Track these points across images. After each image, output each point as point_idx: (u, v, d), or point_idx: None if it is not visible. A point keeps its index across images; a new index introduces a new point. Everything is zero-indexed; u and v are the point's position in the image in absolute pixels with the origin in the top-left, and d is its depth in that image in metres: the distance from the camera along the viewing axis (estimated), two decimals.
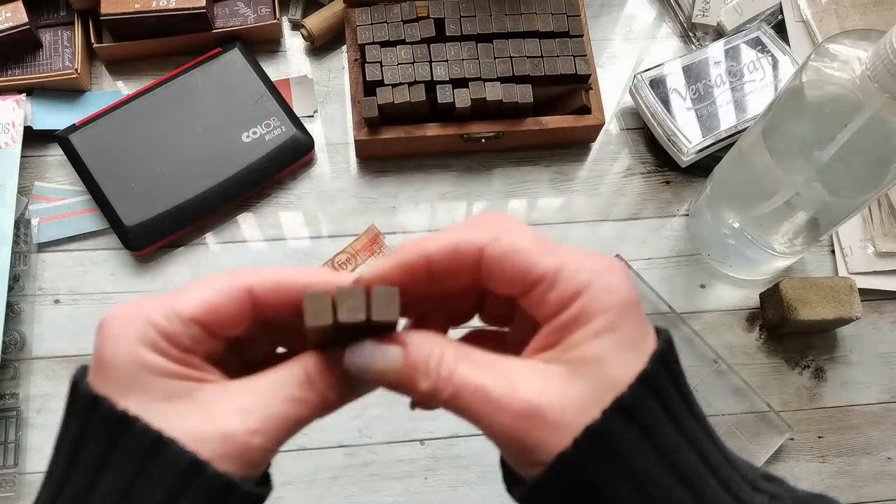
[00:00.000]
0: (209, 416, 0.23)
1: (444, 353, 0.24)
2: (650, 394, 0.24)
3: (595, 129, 0.56)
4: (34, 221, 0.53)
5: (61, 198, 0.54)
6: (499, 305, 0.28)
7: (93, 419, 0.23)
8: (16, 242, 0.52)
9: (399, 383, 0.24)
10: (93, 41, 0.57)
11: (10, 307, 0.51)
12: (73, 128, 0.53)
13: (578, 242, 0.56)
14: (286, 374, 0.24)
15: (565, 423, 0.23)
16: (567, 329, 0.24)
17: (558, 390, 0.23)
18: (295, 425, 0.24)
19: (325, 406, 0.25)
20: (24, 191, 0.54)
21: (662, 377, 0.24)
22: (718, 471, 0.24)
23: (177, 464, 0.22)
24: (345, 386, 0.25)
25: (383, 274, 0.25)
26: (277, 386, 0.24)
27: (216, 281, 0.24)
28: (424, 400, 0.24)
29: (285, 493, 0.48)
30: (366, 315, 0.23)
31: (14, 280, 0.51)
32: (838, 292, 0.50)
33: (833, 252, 0.56)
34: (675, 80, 0.57)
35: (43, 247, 0.53)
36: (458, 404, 0.24)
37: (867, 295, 0.55)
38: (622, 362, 0.24)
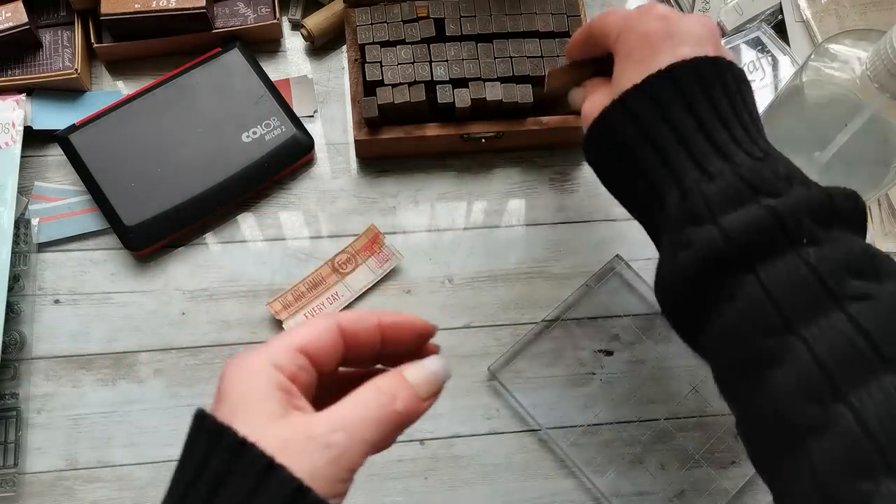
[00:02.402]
0: (308, 433, 0.27)
1: (594, 87, 0.42)
2: (643, 93, 0.37)
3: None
4: (34, 221, 0.53)
5: (61, 198, 0.54)
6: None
7: (216, 445, 0.26)
8: (16, 242, 0.52)
9: (578, 109, 0.43)
10: (93, 41, 0.57)
11: (10, 307, 0.51)
12: (73, 128, 0.53)
13: (578, 242, 0.56)
14: (367, 396, 0.29)
15: (592, 118, 0.39)
16: (615, 61, 0.40)
17: (599, 101, 0.39)
18: (380, 443, 0.28)
19: (401, 419, 0.29)
20: (24, 191, 0.54)
21: (661, 83, 0.36)
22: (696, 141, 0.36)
23: (284, 485, 0.25)
24: (415, 398, 0.30)
25: (577, 45, 0.44)
26: (362, 407, 0.28)
27: (315, 321, 0.30)
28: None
29: None
30: None
31: (14, 280, 0.51)
32: None
33: None
34: None
35: (43, 247, 0.53)
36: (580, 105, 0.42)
37: None
38: (631, 76, 0.37)
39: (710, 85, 0.36)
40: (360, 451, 0.27)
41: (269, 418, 0.27)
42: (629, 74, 0.37)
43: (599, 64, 0.44)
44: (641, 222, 0.41)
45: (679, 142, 0.36)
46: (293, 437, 0.26)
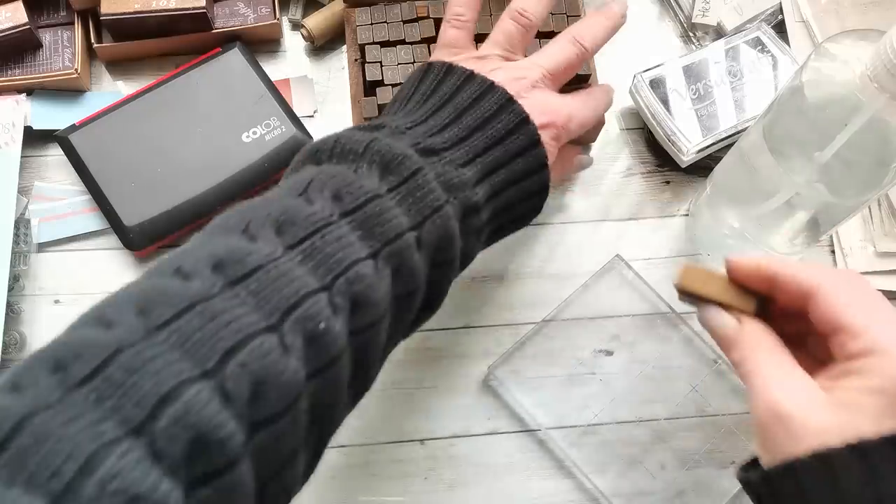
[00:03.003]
0: None
1: (758, 345, 0.33)
2: (885, 455, 0.27)
3: (594, 130, 0.56)
4: (34, 221, 0.53)
5: (61, 198, 0.54)
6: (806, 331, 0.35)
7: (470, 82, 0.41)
8: (16, 242, 0.52)
9: (720, 342, 0.36)
10: (93, 41, 0.57)
11: (10, 307, 0.51)
12: (73, 128, 0.53)
13: (578, 242, 0.56)
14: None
15: (805, 433, 0.29)
16: (851, 373, 0.30)
17: (815, 410, 0.29)
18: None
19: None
20: (24, 191, 0.54)
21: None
22: None
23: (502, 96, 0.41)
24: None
25: (750, 272, 0.35)
26: None
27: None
28: (724, 352, 0.35)
29: None
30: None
31: (14, 280, 0.51)
32: None
33: (833, 252, 0.56)
34: (675, 80, 0.57)
35: (43, 247, 0.53)
36: (741, 363, 0.34)
37: None
38: (876, 418, 0.28)
39: None
40: None
41: None
42: (880, 417, 0.28)
43: (763, 301, 0.36)
44: None
45: None
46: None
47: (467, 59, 0.45)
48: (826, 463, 0.28)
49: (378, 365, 0.35)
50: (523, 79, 0.43)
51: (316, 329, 0.29)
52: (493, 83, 0.41)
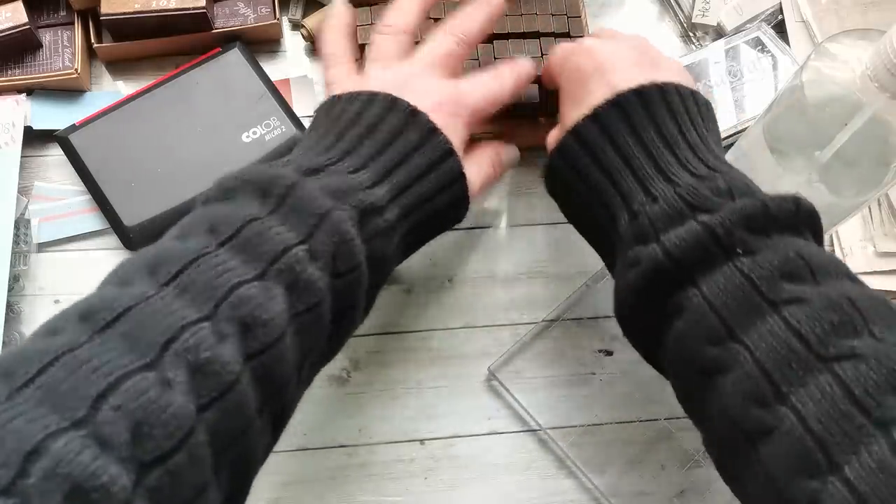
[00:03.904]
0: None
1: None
2: (591, 125, 0.40)
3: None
4: (34, 221, 0.53)
5: (61, 198, 0.54)
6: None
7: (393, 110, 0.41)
8: (16, 242, 0.52)
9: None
10: (93, 41, 0.57)
11: (10, 307, 0.51)
12: (73, 128, 0.53)
13: (578, 242, 0.55)
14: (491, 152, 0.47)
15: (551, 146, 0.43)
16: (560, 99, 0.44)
17: (554, 136, 0.43)
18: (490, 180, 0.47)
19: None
20: (24, 191, 0.54)
21: (607, 113, 0.39)
22: (643, 166, 0.39)
23: (424, 124, 0.41)
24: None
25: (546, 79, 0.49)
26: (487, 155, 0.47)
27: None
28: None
29: (285, 494, 0.48)
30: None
31: (14, 280, 0.51)
32: None
33: (833, 252, 0.56)
34: None
35: (43, 247, 0.53)
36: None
37: None
38: (573, 113, 0.41)
39: (656, 110, 0.39)
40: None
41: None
42: (572, 111, 0.41)
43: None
44: (599, 250, 0.43)
45: (627, 166, 0.38)
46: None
47: (347, 79, 0.45)
48: (556, 157, 0.42)
49: (293, 384, 0.34)
50: (403, 77, 0.43)
51: (199, 359, 0.28)
52: (374, 93, 0.41)
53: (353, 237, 0.36)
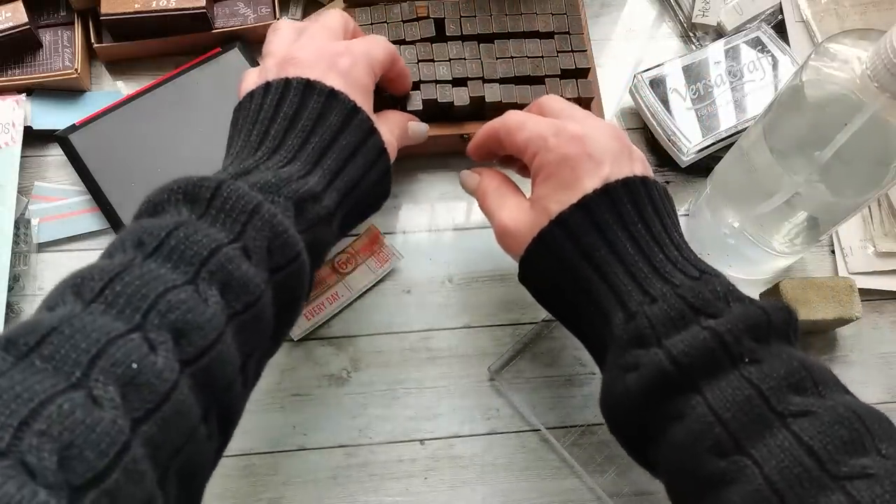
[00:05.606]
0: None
1: (488, 189, 0.45)
2: (580, 215, 0.38)
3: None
4: (34, 221, 0.53)
5: (61, 198, 0.54)
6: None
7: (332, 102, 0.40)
8: (16, 242, 0.52)
9: (473, 195, 0.47)
10: (93, 41, 0.57)
11: (10, 307, 0.51)
12: (73, 128, 0.53)
13: None
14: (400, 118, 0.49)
15: (522, 236, 0.41)
16: (534, 179, 0.41)
17: (522, 218, 0.42)
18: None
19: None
20: (24, 191, 0.54)
21: (597, 204, 0.38)
22: (631, 261, 0.38)
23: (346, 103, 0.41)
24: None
25: (481, 145, 0.46)
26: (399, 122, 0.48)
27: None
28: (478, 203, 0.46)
29: (285, 493, 0.49)
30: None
31: (14, 280, 0.51)
32: (838, 292, 0.50)
33: (833, 252, 0.56)
34: (675, 80, 0.57)
35: (43, 247, 0.53)
36: (482, 208, 0.45)
37: (867, 295, 0.55)
38: (558, 198, 0.39)
39: (642, 205, 0.38)
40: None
41: None
42: (557, 196, 0.39)
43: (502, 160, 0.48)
44: (583, 340, 0.42)
45: (619, 262, 0.38)
46: None
47: (249, 74, 0.44)
48: (539, 244, 0.40)
49: (237, 385, 0.33)
50: (291, 52, 0.42)
51: (129, 372, 0.27)
52: (271, 81, 0.41)
53: (286, 229, 0.35)
